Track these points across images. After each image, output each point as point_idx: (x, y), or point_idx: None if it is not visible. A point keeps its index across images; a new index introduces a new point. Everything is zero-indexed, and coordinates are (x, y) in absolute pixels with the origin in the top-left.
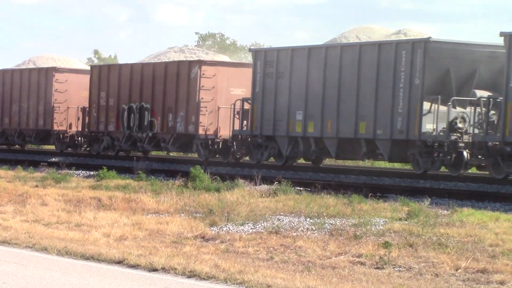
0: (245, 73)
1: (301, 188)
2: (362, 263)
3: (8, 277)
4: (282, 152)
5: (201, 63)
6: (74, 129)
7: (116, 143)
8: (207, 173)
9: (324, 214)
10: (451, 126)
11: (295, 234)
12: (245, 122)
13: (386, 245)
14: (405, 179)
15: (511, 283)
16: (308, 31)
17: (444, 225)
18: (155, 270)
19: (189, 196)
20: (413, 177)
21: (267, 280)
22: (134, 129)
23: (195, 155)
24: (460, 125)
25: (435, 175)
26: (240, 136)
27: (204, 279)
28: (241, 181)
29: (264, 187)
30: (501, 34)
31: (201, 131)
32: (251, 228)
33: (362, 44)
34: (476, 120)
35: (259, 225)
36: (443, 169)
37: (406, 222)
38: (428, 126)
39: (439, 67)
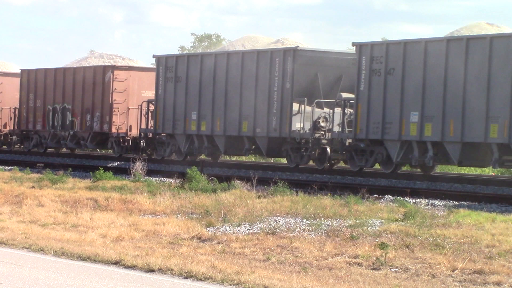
0: (154, 77)
1: (298, 189)
2: (358, 264)
3: (5, 278)
4: (181, 148)
5: (114, 67)
6: (8, 128)
7: (43, 141)
8: (204, 174)
9: (321, 215)
10: (315, 125)
11: (291, 235)
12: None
13: (383, 246)
14: (401, 180)
15: (508, 284)
16: (304, 32)
17: (440, 226)
18: (151, 271)
19: (185, 197)
20: (410, 178)
21: (264, 281)
22: (58, 128)
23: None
24: (322, 124)
25: (432, 177)
26: (150, 134)
27: (200, 279)
28: (237, 182)
29: (261, 188)
30: (353, 44)
31: (114, 130)
32: (248, 229)
33: (244, 52)
34: (341, 119)
35: (256, 226)
36: (441, 169)
37: (403, 223)
38: (297, 125)
39: (307, 73)
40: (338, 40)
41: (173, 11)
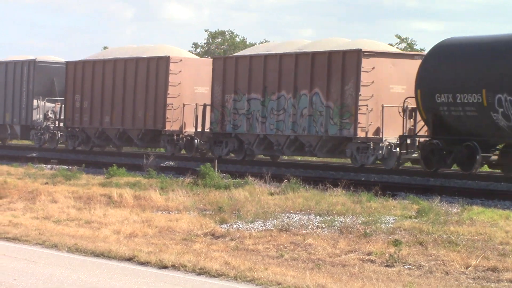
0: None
1: (311, 186)
2: (372, 261)
3: (19, 274)
4: None
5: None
6: None
7: None
8: (217, 171)
9: (334, 212)
10: None
11: (305, 231)
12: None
13: (396, 243)
14: (415, 177)
15: None
16: (315, 28)
17: (454, 223)
18: (165, 267)
19: (199, 193)
20: (423, 175)
21: (277, 278)
22: None
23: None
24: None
25: (446, 174)
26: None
27: (214, 276)
28: (251, 178)
29: (274, 184)
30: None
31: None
32: (261, 226)
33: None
34: None
35: (269, 223)
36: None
37: (416, 220)
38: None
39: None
40: (348, 37)
41: (183, 8)
